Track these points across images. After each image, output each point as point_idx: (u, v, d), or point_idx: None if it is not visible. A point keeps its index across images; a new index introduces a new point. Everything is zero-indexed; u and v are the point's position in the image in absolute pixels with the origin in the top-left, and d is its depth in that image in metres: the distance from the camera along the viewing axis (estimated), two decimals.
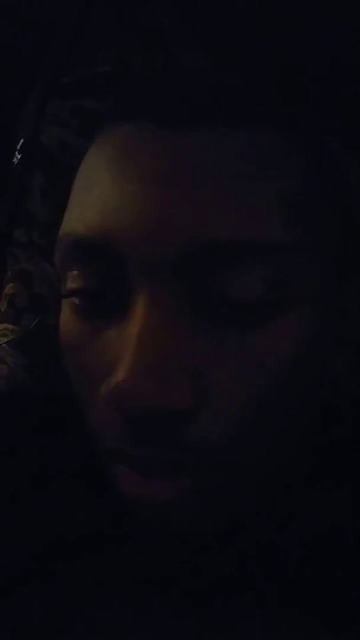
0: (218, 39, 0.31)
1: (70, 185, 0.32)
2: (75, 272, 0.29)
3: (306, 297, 0.28)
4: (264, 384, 0.27)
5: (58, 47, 0.34)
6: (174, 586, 0.30)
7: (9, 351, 0.40)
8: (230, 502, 0.29)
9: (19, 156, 0.38)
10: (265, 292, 0.27)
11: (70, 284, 0.30)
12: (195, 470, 0.28)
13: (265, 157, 0.28)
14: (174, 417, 0.26)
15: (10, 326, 0.40)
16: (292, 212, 0.28)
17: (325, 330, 0.30)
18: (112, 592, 0.31)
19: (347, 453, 0.32)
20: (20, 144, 0.37)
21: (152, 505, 0.28)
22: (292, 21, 0.32)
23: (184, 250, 0.26)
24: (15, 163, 0.38)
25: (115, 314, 0.28)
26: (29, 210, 0.38)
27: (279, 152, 0.28)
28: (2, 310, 0.41)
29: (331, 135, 0.31)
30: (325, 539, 0.30)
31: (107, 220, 0.28)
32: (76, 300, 0.30)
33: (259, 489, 0.30)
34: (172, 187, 0.27)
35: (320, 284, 0.29)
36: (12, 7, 0.35)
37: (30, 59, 0.35)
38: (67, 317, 0.31)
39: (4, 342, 0.40)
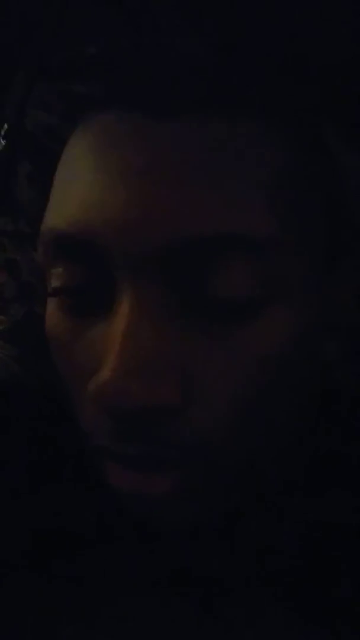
0: (209, 23, 0.31)
1: None
2: (59, 269, 0.29)
3: (295, 288, 0.28)
4: (255, 378, 0.27)
5: (44, 28, 0.32)
6: (171, 583, 0.30)
7: None
8: (224, 496, 0.29)
9: (3, 142, 0.37)
10: (253, 286, 0.26)
11: (55, 282, 0.29)
12: (185, 465, 0.27)
13: (253, 148, 0.27)
14: (162, 415, 0.26)
15: None
16: (280, 204, 0.27)
17: (315, 320, 0.29)
18: (110, 590, 0.31)
19: (343, 442, 0.32)
20: (4, 129, 0.36)
21: (143, 500, 0.28)
22: (285, 8, 0.31)
23: (168, 245, 0.26)
24: (0, 150, 0.37)
25: (101, 310, 0.28)
26: (15, 198, 0.37)
27: (268, 141, 0.28)
28: None
29: (324, 121, 0.31)
30: (325, 534, 0.30)
31: (87, 215, 0.27)
32: (61, 297, 0.29)
33: (254, 483, 0.30)
34: (154, 180, 0.26)
35: (309, 274, 0.28)
36: None
37: (15, 40, 0.34)
38: (52, 313, 0.30)
39: None
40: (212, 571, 0.30)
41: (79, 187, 0.28)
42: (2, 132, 0.37)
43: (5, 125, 0.36)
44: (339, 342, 0.31)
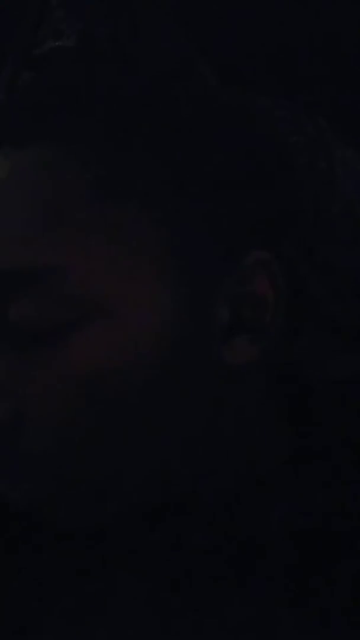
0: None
1: None
2: None
3: (120, 303, 0.28)
4: (84, 395, 0.28)
5: (28, 18, 0.32)
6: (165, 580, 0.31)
7: None
8: (101, 502, 0.30)
9: None
10: (53, 312, 0.28)
11: None
12: (31, 477, 0.29)
13: (33, 178, 0.29)
14: None
15: None
16: (72, 230, 0.28)
17: (168, 322, 0.29)
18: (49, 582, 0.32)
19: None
20: None
21: (19, 504, 0.30)
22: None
23: None
24: None
25: None
26: None
27: (57, 168, 0.29)
28: None
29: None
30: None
31: None
32: None
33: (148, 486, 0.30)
34: None
35: (142, 285, 0.29)
36: None
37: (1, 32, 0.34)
38: None
39: None
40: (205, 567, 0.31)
41: None
42: None
43: None
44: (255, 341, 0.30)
